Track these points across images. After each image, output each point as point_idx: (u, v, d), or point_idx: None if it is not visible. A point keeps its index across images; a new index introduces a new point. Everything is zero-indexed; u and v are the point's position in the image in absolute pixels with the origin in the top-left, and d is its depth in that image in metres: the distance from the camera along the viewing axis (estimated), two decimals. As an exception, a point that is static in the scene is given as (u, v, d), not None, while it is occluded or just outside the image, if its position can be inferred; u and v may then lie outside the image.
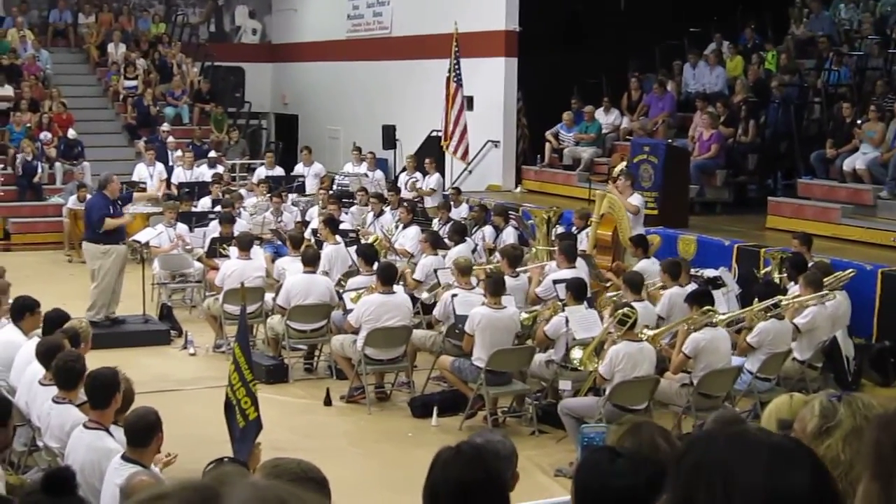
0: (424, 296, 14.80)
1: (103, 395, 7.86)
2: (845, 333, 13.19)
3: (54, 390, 8.75)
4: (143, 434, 7.17)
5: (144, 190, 22.66)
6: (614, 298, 12.70)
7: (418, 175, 22.80)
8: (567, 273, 13.44)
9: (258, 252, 16.29)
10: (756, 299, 12.60)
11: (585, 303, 12.39)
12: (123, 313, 15.94)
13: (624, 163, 18.00)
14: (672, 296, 12.91)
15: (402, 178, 23.34)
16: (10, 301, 11.34)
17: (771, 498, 1.99)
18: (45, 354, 9.13)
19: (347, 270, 15.37)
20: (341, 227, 17.50)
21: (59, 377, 8.63)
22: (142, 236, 17.25)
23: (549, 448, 11.50)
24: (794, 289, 13.05)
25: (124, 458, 7.16)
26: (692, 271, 14.29)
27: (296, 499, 1.46)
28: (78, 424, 8.01)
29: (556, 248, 14.86)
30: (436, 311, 13.46)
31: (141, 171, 23.40)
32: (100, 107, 29.01)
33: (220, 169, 24.01)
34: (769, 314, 12.15)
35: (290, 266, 14.84)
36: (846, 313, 13.24)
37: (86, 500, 6.75)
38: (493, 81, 24.03)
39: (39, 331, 10.46)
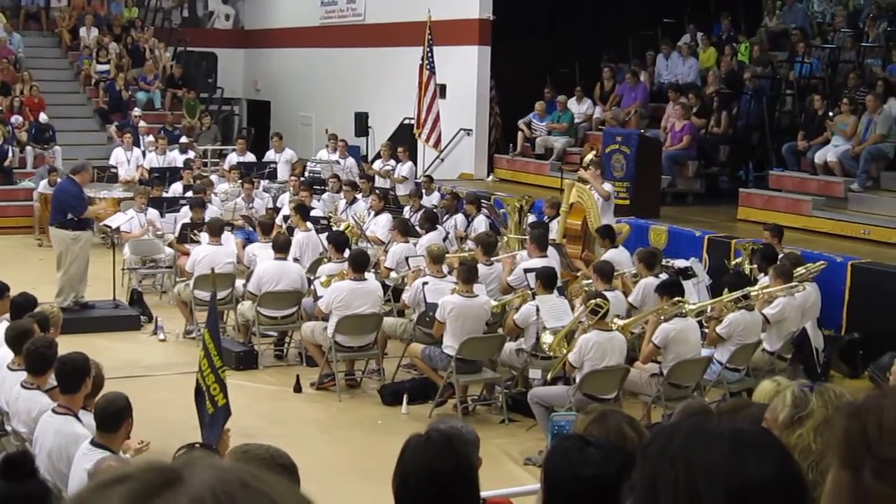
0: (393, 276, 14.78)
1: (73, 380, 7.82)
2: (815, 325, 13.24)
3: (23, 375, 8.68)
4: (113, 419, 7.14)
5: (116, 174, 22.73)
6: (586, 288, 12.70)
7: (392, 163, 22.75)
8: (538, 262, 13.42)
9: (229, 238, 16.27)
10: (726, 290, 12.64)
11: (556, 292, 12.40)
12: (93, 298, 15.86)
13: (594, 152, 17.99)
14: (646, 286, 12.85)
15: (377, 164, 23.29)
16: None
17: (734, 485, 1.99)
18: (14, 339, 9.07)
19: (318, 257, 15.34)
20: (312, 213, 17.46)
21: (30, 363, 8.56)
22: (112, 221, 17.19)
23: (518, 436, 11.51)
24: (764, 280, 13.09)
25: (93, 443, 7.13)
26: (663, 261, 14.32)
27: (258, 480, 1.44)
28: (46, 410, 7.97)
29: (527, 237, 14.86)
30: (406, 298, 13.43)
31: (118, 156, 23.52)
32: (71, 91, 28.85)
33: (191, 154, 23.95)
34: (739, 305, 12.18)
35: (261, 252, 14.80)
36: (816, 305, 13.29)
37: (50, 483, 6.72)
38: (466, 70, 24.00)
39: (8, 315, 10.39)
